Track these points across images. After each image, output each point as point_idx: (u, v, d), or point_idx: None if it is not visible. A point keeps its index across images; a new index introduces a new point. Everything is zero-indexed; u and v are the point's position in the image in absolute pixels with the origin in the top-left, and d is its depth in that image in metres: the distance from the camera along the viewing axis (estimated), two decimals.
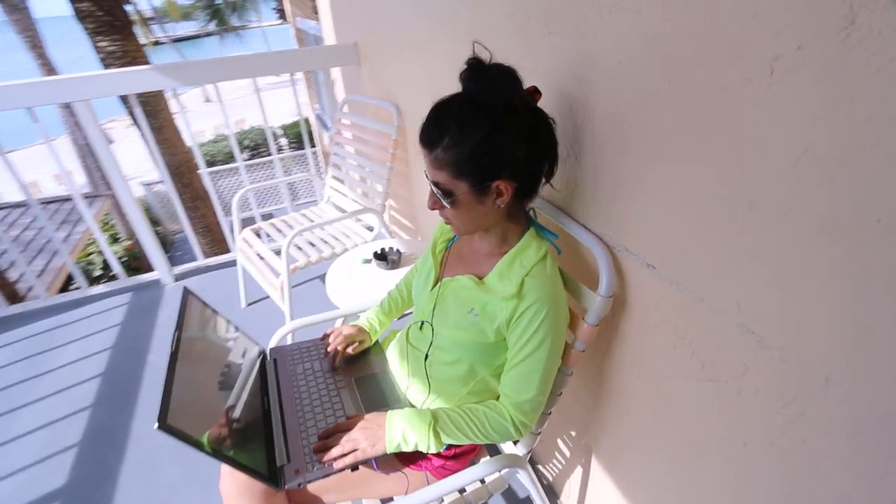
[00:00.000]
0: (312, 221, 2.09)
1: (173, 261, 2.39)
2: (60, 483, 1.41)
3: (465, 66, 0.67)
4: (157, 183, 8.14)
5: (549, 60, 0.84)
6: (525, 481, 0.88)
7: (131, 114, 3.36)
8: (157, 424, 0.59)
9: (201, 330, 0.87)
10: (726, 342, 0.62)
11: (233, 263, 2.48)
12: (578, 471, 1.13)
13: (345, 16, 2.39)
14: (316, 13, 4.45)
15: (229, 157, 9.35)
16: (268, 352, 1.05)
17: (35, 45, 6.00)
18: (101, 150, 1.94)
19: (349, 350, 1.00)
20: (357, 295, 1.46)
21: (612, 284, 0.77)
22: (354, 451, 0.77)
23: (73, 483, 1.41)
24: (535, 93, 0.73)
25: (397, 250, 1.62)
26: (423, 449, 0.78)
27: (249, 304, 2.18)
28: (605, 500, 1.05)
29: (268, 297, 2.18)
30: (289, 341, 1.12)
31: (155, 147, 2.18)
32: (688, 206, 0.63)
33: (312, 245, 1.91)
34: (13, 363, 1.89)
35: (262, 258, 1.86)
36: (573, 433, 1.13)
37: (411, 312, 1.08)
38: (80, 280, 2.31)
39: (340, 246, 1.87)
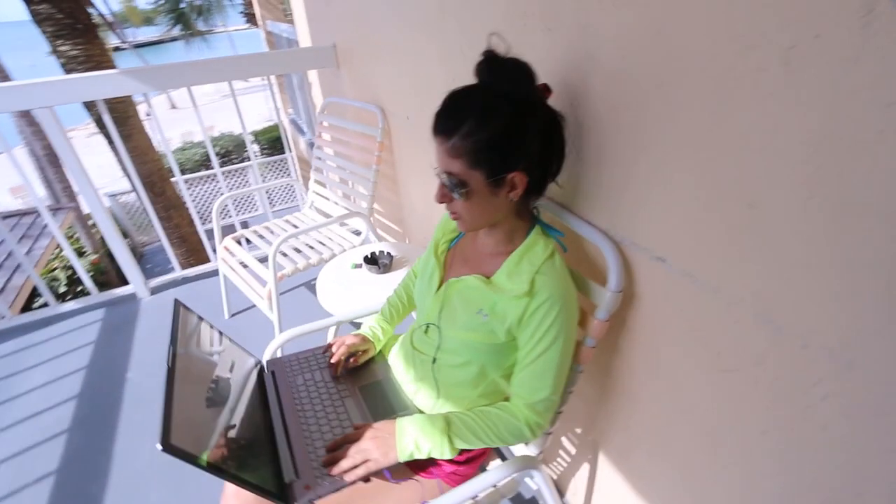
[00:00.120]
0: (297, 227, 2.03)
1: (145, 273, 2.29)
2: None
3: (482, 58, 0.66)
4: (124, 193, 7.82)
5: (547, 56, 0.83)
6: (539, 483, 0.87)
7: (98, 122, 3.21)
8: (160, 446, 0.55)
9: (196, 344, 0.82)
10: (742, 332, 0.63)
11: (213, 273, 2.40)
12: (585, 468, 1.13)
13: (322, 17, 2.35)
14: (287, 16, 4.37)
15: (198, 166, 9.08)
16: (264, 364, 1.01)
17: None
18: (70, 160, 1.84)
19: (354, 361, 0.97)
20: (350, 301, 1.43)
21: (621, 279, 0.77)
22: (366, 461, 0.75)
23: None
24: (546, 90, 0.72)
25: (388, 254, 1.60)
26: (436, 455, 0.76)
27: (233, 315, 2.10)
28: (613, 495, 1.05)
29: (252, 306, 2.11)
30: (279, 354, 1.07)
31: (126, 155, 2.09)
32: (700, 197, 0.63)
33: (298, 251, 1.86)
34: None
35: (245, 266, 1.80)
36: (578, 430, 1.13)
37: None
38: (47, 297, 2.18)
39: (328, 251, 1.83)
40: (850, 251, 0.48)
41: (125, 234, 7.90)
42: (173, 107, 15.80)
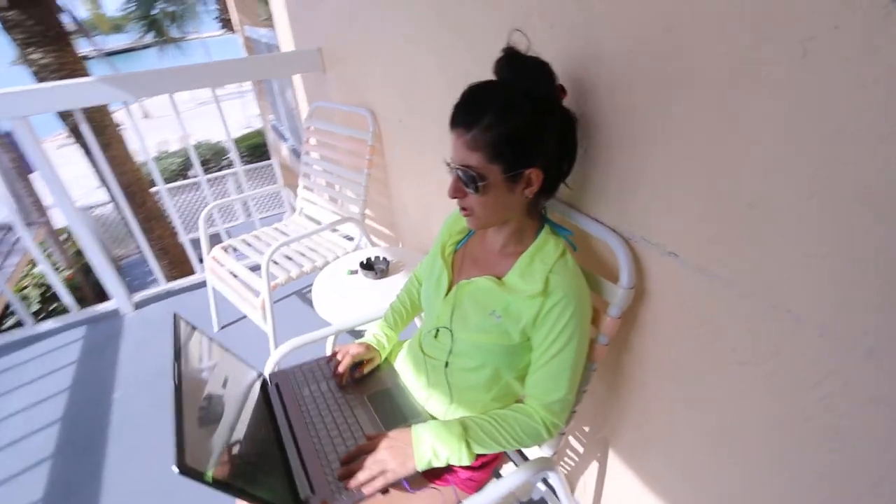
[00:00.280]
0: (286, 235, 1.99)
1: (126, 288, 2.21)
2: None
3: (502, 55, 0.66)
4: (98, 206, 7.58)
5: (552, 55, 0.83)
6: (555, 483, 0.86)
7: (74, 132, 3.10)
8: (176, 468, 0.52)
9: (197, 358, 0.79)
10: (758, 323, 0.63)
11: (199, 285, 2.33)
12: (594, 466, 1.13)
13: (305, 22, 2.31)
14: (267, 21, 4.30)
15: (175, 175, 8.86)
16: (267, 376, 0.98)
17: None
18: (46, 173, 1.76)
19: (362, 370, 0.95)
20: (347, 308, 1.40)
21: (632, 275, 0.77)
22: (383, 472, 0.72)
23: None
24: (561, 91, 0.73)
25: (384, 259, 1.57)
26: (454, 462, 0.74)
27: (223, 328, 2.05)
28: (624, 492, 1.05)
29: (242, 318, 2.06)
30: (278, 365, 1.04)
31: (106, 166, 2.01)
32: (712, 191, 0.63)
33: (290, 259, 1.82)
34: None
35: (235, 277, 1.76)
36: (586, 429, 1.12)
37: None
38: (24, 316, 2.08)
39: (321, 259, 1.80)
40: (869, 239, 0.48)
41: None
42: (146, 116, 15.39)
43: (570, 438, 1.19)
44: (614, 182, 0.79)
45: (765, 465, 0.70)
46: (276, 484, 0.71)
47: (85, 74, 3.21)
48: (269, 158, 6.10)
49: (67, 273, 6.16)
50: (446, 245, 0.90)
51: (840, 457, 0.59)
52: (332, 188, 2.11)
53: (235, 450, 0.69)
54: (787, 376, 0.62)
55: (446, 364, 0.84)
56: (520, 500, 0.92)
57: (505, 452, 0.97)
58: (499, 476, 0.95)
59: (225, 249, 1.86)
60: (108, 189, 2.98)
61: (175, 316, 0.80)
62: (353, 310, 1.39)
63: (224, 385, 0.83)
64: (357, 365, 0.96)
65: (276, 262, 1.77)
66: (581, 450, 1.17)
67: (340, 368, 0.93)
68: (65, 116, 2.95)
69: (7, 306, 4.38)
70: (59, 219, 6.43)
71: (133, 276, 7.39)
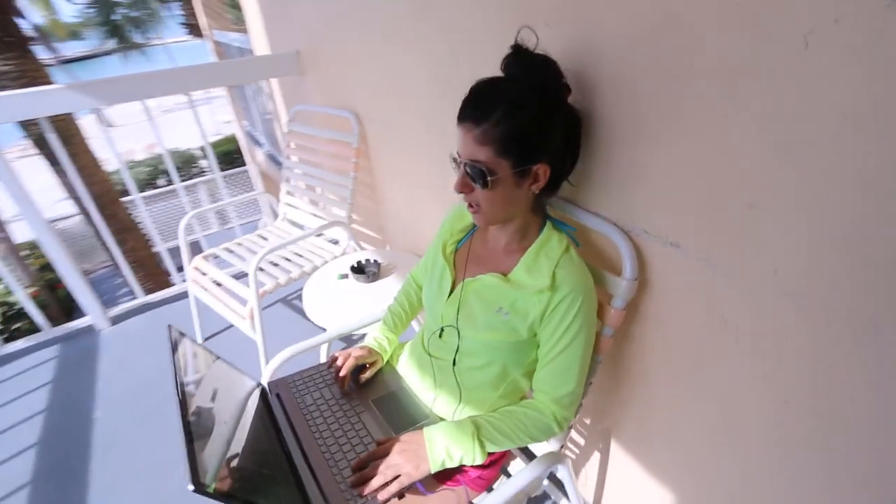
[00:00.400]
0: (268, 241, 1.95)
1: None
2: None
3: (510, 51, 0.66)
4: (61, 219, 7.24)
5: (550, 52, 0.83)
6: (564, 476, 0.86)
7: (37, 142, 2.94)
8: (191, 486, 0.50)
9: (195, 371, 0.76)
10: (763, 310, 0.64)
11: (178, 297, 2.26)
12: (595, 456, 1.14)
13: (281, 24, 2.27)
14: (237, 25, 4.20)
15: (144, 185, 8.54)
16: (266, 386, 0.95)
17: None
18: (11, 185, 1.67)
19: (366, 374, 0.93)
20: (340, 312, 1.38)
21: (635, 267, 0.78)
22: (398, 477, 0.71)
23: None
24: (567, 89, 0.73)
25: (375, 262, 1.56)
26: (468, 462, 0.74)
27: (207, 339, 1.98)
28: (625, 483, 1.07)
29: (228, 328, 2.00)
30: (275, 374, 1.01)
31: (76, 176, 1.93)
32: (714, 181, 0.64)
33: (276, 265, 1.78)
34: None
35: (220, 286, 1.70)
36: (587, 421, 1.14)
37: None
38: None
39: (308, 264, 1.76)
40: (877, 225, 0.50)
41: None
42: (110, 125, 14.81)
43: (572, 430, 1.20)
44: (615, 176, 0.80)
45: (764, 455, 0.72)
46: (287, 496, 0.69)
47: (48, 82, 3.06)
48: (240, 165, 5.95)
49: (32, 289, 5.86)
50: (447, 244, 0.90)
51: (845, 445, 0.60)
52: (314, 192, 2.07)
53: (240, 462, 0.67)
54: (795, 362, 0.63)
55: (454, 363, 0.84)
56: (528, 495, 0.92)
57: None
58: (507, 474, 0.95)
59: (206, 258, 1.80)
60: (78, 200, 2.85)
61: (169, 328, 0.78)
62: (346, 314, 1.37)
63: (222, 397, 0.80)
64: (359, 369, 0.95)
65: (262, 269, 1.73)
66: (582, 442, 1.18)
67: (343, 372, 0.91)
68: (27, 126, 2.81)
69: None
70: (18, 234, 6.12)
71: (102, 291, 7.07)
